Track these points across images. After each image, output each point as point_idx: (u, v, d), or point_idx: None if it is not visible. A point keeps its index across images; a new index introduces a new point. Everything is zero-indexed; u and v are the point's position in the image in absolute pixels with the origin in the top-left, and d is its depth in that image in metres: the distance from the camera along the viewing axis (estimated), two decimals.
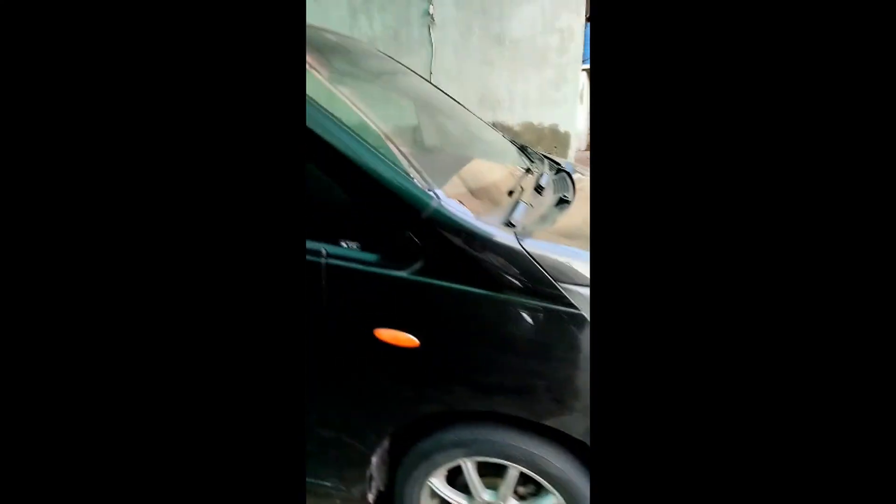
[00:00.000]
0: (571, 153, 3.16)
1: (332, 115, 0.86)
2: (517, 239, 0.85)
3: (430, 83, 1.78)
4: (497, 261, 0.83)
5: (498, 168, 1.36)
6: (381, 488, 1.10)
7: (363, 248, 0.89)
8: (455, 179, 1.05)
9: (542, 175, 1.30)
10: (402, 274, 0.85)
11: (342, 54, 1.29)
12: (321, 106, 0.86)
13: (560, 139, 3.15)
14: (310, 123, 0.85)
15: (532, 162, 1.49)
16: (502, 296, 0.83)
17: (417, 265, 0.85)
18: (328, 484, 1.09)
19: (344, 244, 0.89)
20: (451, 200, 0.87)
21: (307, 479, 1.10)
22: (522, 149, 1.65)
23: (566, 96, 3.04)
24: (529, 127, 3.16)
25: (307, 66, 0.97)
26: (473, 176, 1.18)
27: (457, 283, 0.84)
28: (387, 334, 0.88)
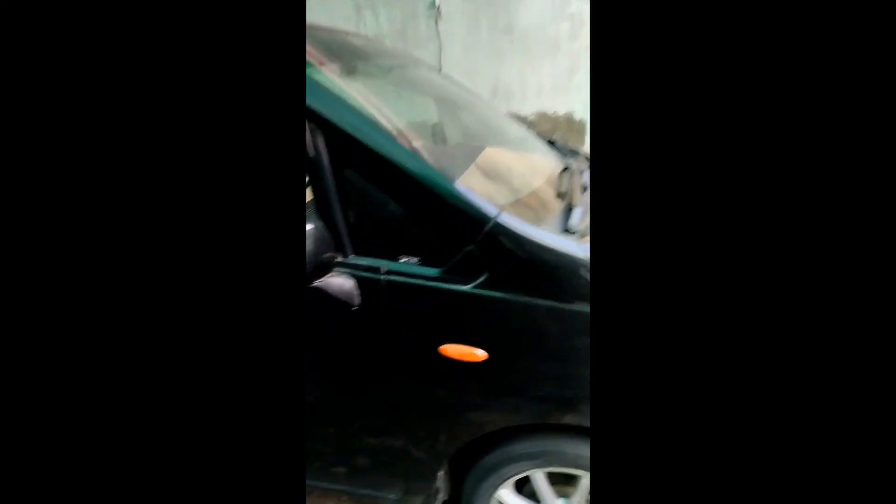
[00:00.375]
0: (587, 140, 3.12)
1: (387, 128, 0.84)
2: (579, 247, 0.83)
3: (452, 79, 1.74)
4: (561, 270, 0.82)
5: (529, 161, 1.33)
6: (445, 498, 1.09)
7: (423, 262, 0.87)
8: (480, 173, 1.02)
9: (582, 172, 1.27)
10: (466, 288, 0.83)
11: (354, 53, 1.26)
12: (376, 120, 0.84)
13: (575, 127, 3.11)
14: (363, 137, 0.83)
15: (565, 157, 1.46)
16: (569, 306, 0.81)
17: (481, 279, 0.83)
18: (392, 496, 1.08)
19: (403, 259, 0.88)
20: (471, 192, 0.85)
21: (370, 492, 1.10)
22: (551, 143, 1.62)
23: (580, 84, 2.99)
24: (544, 116, 3.12)
25: (324, 69, 0.94)
26: (501, 169, 1.15)
27: (523, 295, 0.82)
28: (452, 350, 0.86)
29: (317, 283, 0.84)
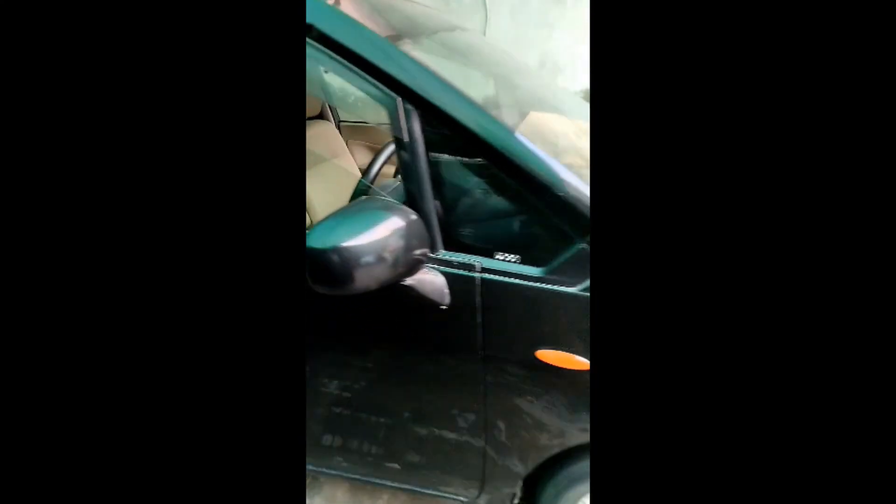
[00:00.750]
0: None
1: (490, 113, 0.75)
2: None
3: (504, 50, 1.61)
4: None
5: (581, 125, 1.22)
6: (517, 502, 1.05)
7: (523, 261, 0.79)
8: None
9: None
10: (573, 290, 0.76)
11: (414, 22, 1.16)
12: (477, 104, 0.75)
13: None
14: (466, 120, 0.74)
15: None
16: None
17: (590, 280, 0.75)
18: (463, 499, 1.05)
19: (500, 257, 0.80)
20: None
21: (443, 493, 1.06)
22: None
23: None
24: None
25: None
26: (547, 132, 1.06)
27: None
28: (552, 356, 0.80)
29: (409, 280, 0.78)
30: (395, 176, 1.46)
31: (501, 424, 0.89)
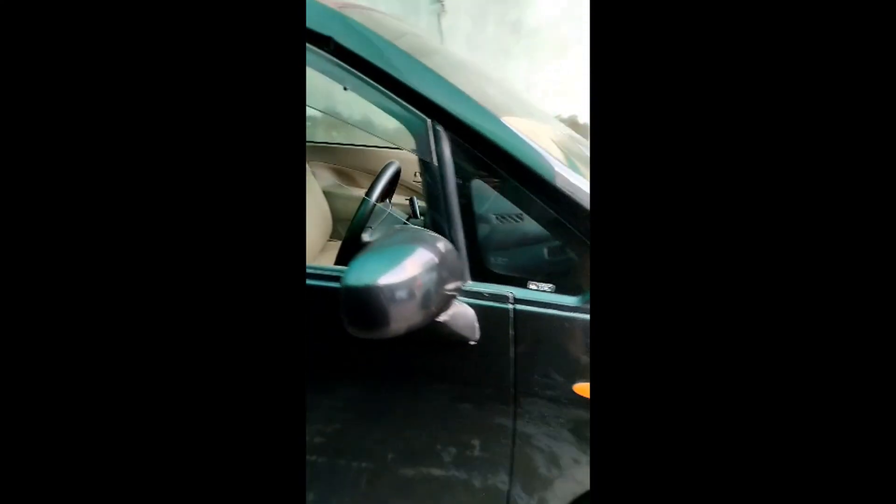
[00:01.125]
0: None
1: (519, 132, 0.72)
2: None
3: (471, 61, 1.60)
4: None
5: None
6: None
7: (559, 290, 0.75)
8: None
9: None
10: None
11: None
12: (505, 124, 0.72)
13: (579, 131, 3.06)
14: (498, 140, 0.70)
15: None
16: None
17: None
18: None
19: (534, 286, 0.76)
20: None
21: None
22: None
23: (587, 87, 2.95)
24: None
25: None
26: None
27: None
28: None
29: (442, 317, 0.71)
30: (382, 200, 1.39)
31: (532, 464, 0.84)
